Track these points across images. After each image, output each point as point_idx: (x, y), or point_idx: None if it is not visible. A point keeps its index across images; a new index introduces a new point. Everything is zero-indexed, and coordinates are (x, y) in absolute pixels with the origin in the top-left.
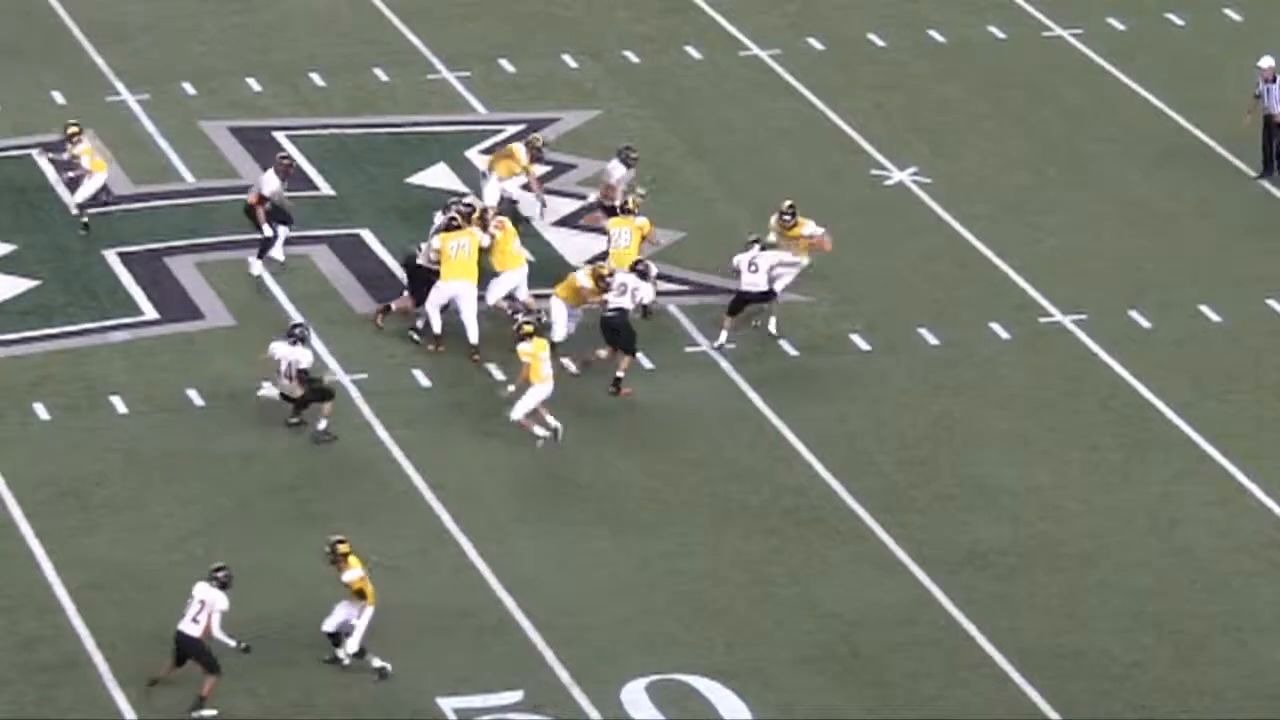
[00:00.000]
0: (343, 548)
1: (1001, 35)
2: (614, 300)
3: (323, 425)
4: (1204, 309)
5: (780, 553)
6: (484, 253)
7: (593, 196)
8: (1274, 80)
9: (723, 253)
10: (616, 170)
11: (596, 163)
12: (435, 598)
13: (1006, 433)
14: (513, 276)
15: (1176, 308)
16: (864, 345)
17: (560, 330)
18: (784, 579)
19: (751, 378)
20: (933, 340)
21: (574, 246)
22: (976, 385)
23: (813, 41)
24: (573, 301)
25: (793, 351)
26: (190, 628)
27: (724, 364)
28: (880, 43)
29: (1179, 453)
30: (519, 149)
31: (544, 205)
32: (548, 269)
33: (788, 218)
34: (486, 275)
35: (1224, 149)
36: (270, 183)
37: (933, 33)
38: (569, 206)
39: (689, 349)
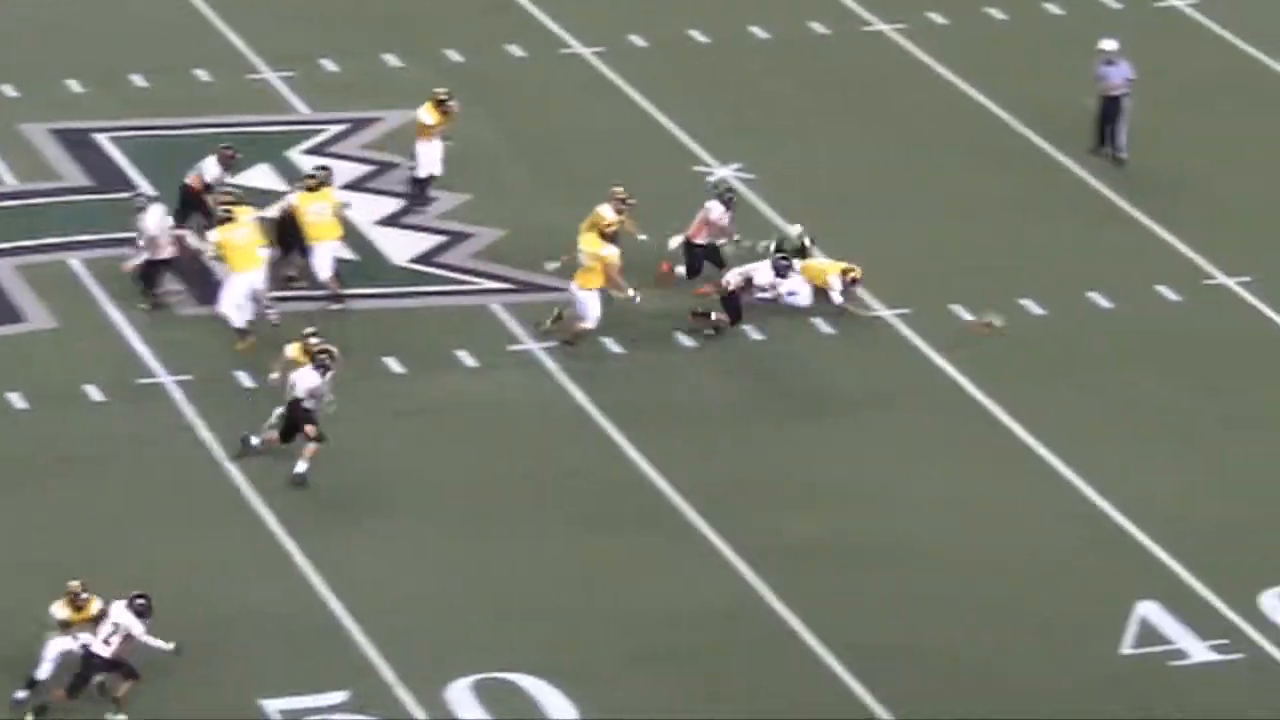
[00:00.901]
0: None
1: (824, 31)
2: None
3: (303, 467)
4: (1027, 303)
5: (608, 550)
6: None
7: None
8: (1112, 63)
9: (544, 251)
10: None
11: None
12: (259, 599)
13: (834, 428)
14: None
15: (1000, 302)
16: (690, 342)
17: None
18: (611, 576)
19: (576, 374)
20: (757, 336)
21: (394, 244)
22: (806, 381)
23: (636, 39)
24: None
25: (618, 348)
26: (101, 649)
27: (548, 361)
28: (703, 40)
29: (1004, 446)
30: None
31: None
32: (368, 268)
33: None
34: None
35: (1046, 143)
36: (211, 169)
37: (755, 29)
38: (393, 205)
39: (512, 347)
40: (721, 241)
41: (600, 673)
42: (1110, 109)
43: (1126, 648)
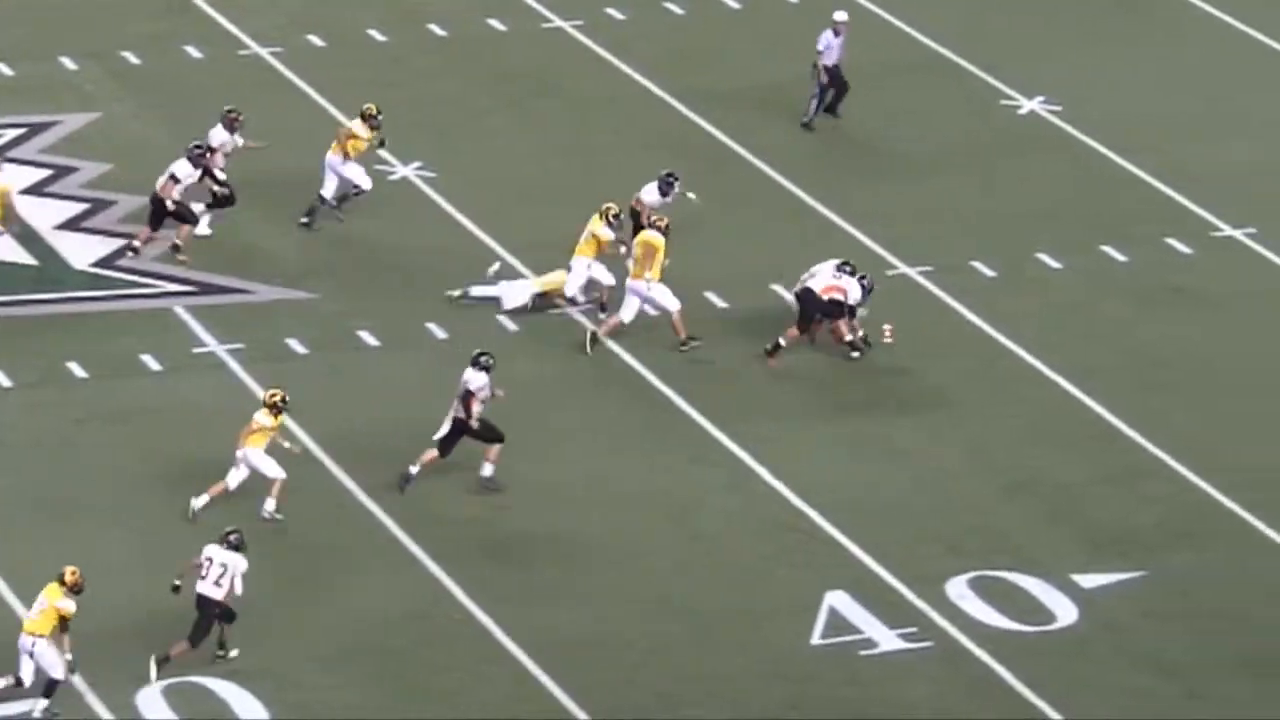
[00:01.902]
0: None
1: (502, 28)
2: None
3: (489, 470)
4: (711, 296)
5: (297, 551)
6: None
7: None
8: (839, 35)
9: (230, 252)
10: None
11: (98, 165)
12: None
13: (522, 423)
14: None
15: (685, 295)
16: (373, 341)
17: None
18: (301, 577)
19: (262, 378)
20: (441, 334)
21: (75, 248)
22: (500, 378)
23: (313, 39)
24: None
25: (302, 349)
26: (213, 591)
27: (232, 363)
28: (381, 38)
29: (692, 439)
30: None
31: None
32: (50, 273)
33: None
34: None
35: (727, 137)
36: (219, 135)
37: (434, 27)
38: (73, 209)
39: (196, 349)
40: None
41: (291, 674)
42: (833, 78)
43: (816, 638)
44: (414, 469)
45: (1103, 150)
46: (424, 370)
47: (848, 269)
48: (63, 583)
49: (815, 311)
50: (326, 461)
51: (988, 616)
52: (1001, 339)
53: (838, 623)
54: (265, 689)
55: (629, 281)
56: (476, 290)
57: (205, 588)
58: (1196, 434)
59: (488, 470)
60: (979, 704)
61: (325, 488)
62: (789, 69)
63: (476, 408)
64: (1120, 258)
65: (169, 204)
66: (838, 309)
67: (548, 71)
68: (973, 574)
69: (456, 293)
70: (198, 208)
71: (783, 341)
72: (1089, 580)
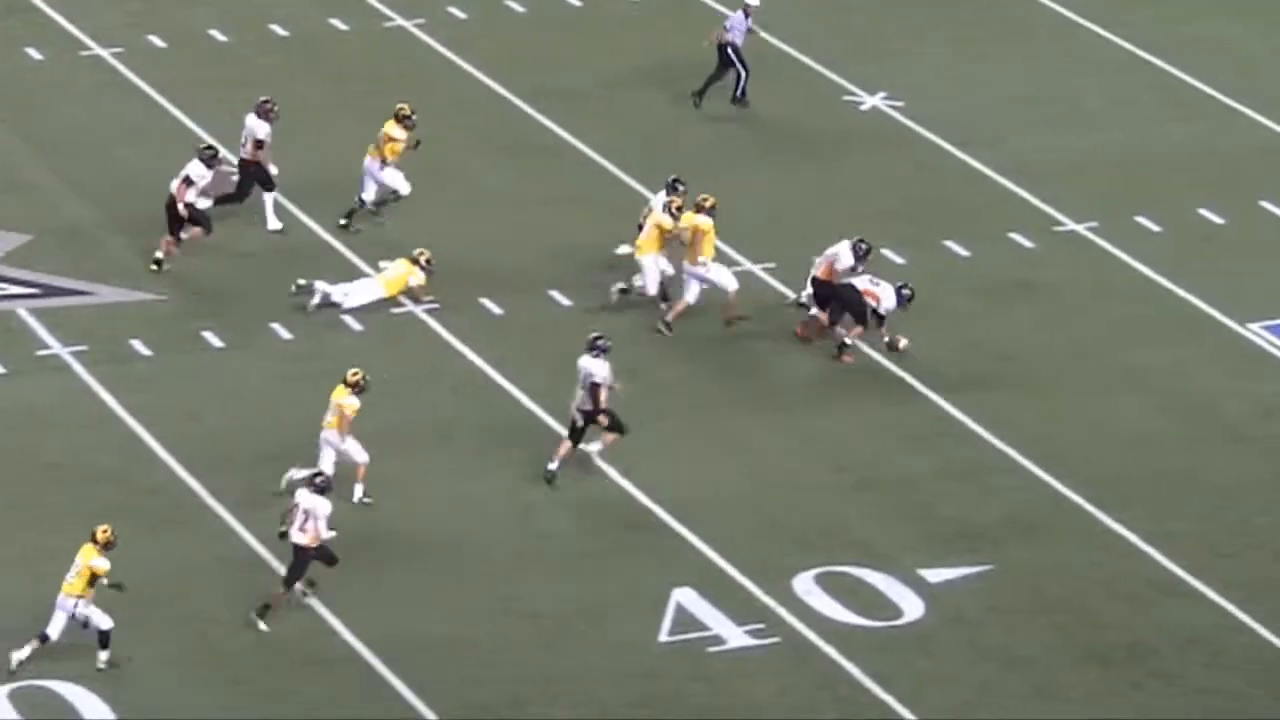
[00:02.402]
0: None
1: (344, 27)
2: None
3: (596, 447)
4: (554, 294)
5: (143, 554)
6: None
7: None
8: (748, 17)
9: (73, 253)
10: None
11: None
12: None
13: (363, 423)
14: None
15: (528, 294)
16: (217, 343)
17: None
18: (145, 580)
19: (105, 379)
20: (285, 335)
21: None
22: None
23: (154, 39)
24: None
25: (146, 351)
26: (299, 537)
27: (76, 366)
28: (222, 38)
29: (533, 438)
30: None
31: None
32: None
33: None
34: None
35: (570, 135)
36: (260, 128)
37: (275, 27)
38: None
39: (40, 352)
40: None
41: (134, 676)
42: (736, 57)
43: (664, 635)
44: (553, 464)
45: (945, 145)
46: (268, 371)
47: (863, 247)
48: (95, 541)
49: (841, 304)
50: (173, 464)
51: (835, 612)
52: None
53: (685, 620)
54: (108, 690)
55: (685, 266)
56: (321, 286)
57: (295, 534)
58: (1041, 428)
59: (595, 450)
60: (827, 699)
61: (172, 491)
62: (629, 67)
63: (603, 395)
64: (964, 252)
65: (180, 208)
66: (862, 312)
67: (390, 70)
68: (820, 570)
69: (303, 282)
70: (203, 202)
71: (847, 340)
72: (935, 575)
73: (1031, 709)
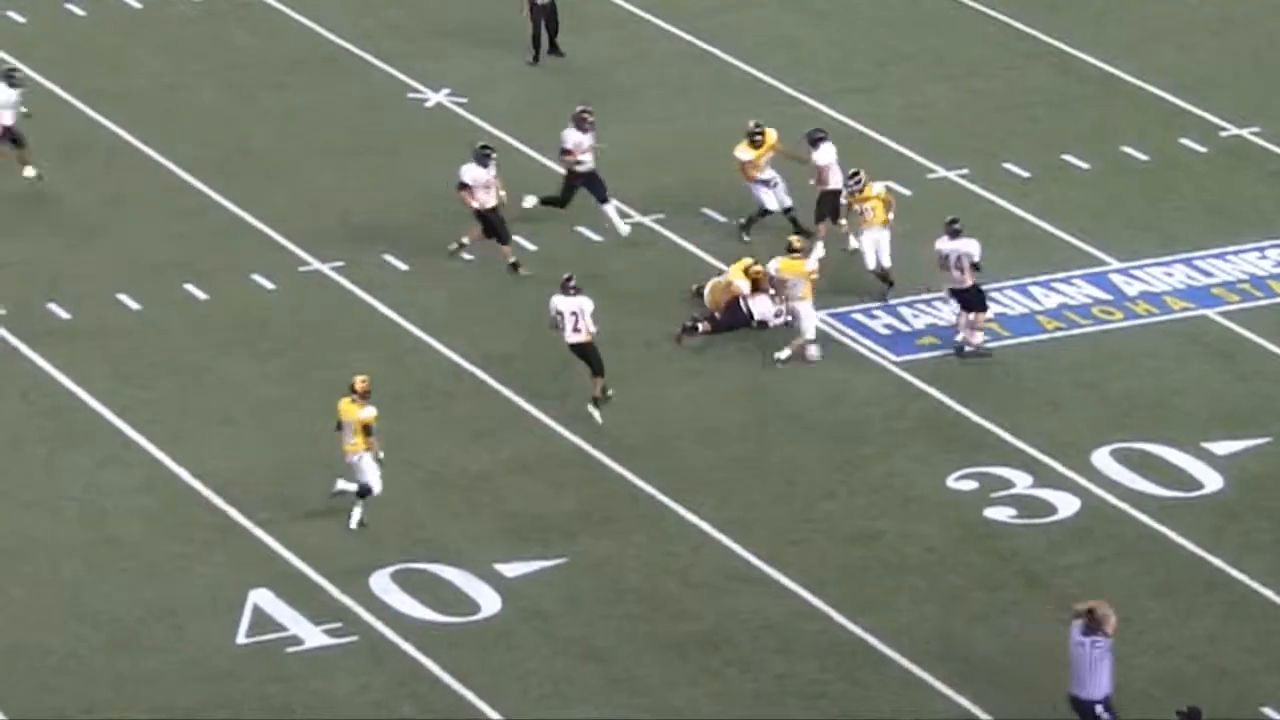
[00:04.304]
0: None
1: None
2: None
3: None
4: (123, 298)
5: None
6: None
7: None
8: None
9: None
10: None
11: None
12: None
13: None
14: None
15: (94, 298)
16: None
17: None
18: None
19: None
20: None
21: None
22: None
23: (14, 15)
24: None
25: None
26: (575, 336)
27: None
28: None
29: (104, 441)
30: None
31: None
32: None
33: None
34: None
35: (132, 136)
36: (571, 136)
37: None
38: None
39: None
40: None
41: None
42: (547, 16)
43: (241, 637)
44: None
45: (505, 138)
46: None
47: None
48: (354, 391)
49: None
50: None
51: (412, 609)
52: (414, 330)
53: (262, 620)
54: None
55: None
56: None
57: (570, 336)
58: (611, 419)
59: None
60: (406, 696)
61: None
62: (191, 69)
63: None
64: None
65: (475, 208)
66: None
67: None
68: (396, 567)
69: None
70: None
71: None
72: (511, 569)
73: (611, 699)
